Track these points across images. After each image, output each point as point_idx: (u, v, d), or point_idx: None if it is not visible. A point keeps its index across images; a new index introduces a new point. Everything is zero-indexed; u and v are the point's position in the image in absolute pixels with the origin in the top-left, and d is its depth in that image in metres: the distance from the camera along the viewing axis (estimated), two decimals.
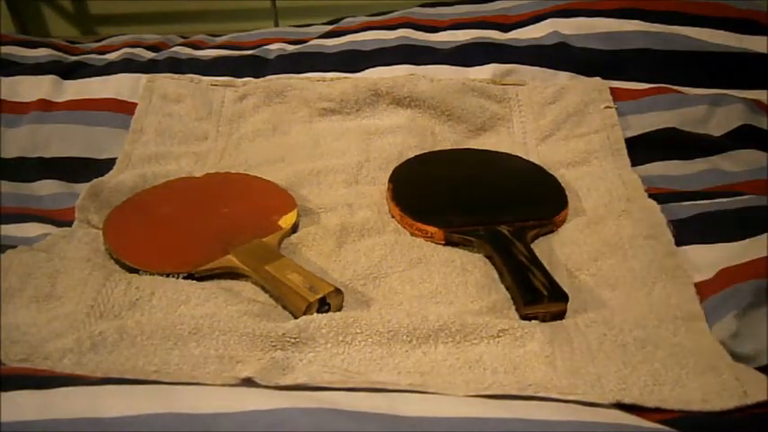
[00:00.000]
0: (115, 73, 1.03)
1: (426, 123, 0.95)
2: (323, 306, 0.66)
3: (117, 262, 0.73)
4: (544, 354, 0.59)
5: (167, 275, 0.70)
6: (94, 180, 0.85)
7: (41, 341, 0.60)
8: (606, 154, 0.89)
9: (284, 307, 0.68)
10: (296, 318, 0.64)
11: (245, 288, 0.71)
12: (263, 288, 0.70)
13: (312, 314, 0.64)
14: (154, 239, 0.77)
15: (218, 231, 0.77)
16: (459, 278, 0.70)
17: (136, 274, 0.71)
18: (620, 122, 0.92)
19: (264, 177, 0.87)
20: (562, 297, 0.66)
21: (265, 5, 1.43)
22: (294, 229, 0.79)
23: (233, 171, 0.90)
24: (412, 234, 0.77)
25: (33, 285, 0.67)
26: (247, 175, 0.88)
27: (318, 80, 1.01)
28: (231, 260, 0.72)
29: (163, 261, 0.73)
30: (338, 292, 0.67)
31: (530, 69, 1.00)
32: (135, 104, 0.99)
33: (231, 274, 0.72)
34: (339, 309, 0.67)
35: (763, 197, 0.77)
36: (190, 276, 0.71)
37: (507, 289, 0.69)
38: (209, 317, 0.62)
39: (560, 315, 0.65)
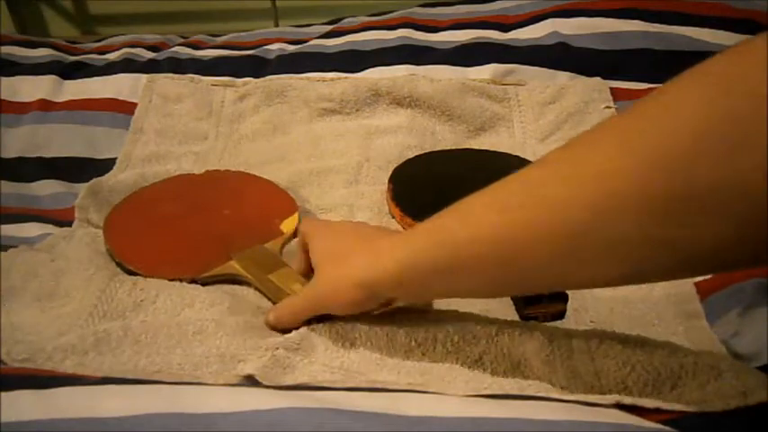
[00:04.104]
0: (115, 73, 1.04)
1: (426, 123, 0.95)
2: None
3: (119, 265, 0.73)
4: (544, 353, 0.59)
5: (171, 281, 0.70)
6: (94, 179, 0.85)
7: (44, 341, 0.60)
8: None
9: None
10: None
11: (249, 293, 0.71)
12: (266, 296, 0.70)
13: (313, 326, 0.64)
14: (156, 243, 0.77)
15: (220, 234, 0.77)
16: None
17: (140, 276, 0.70)
18: None
19: (264, 177, 0.87)
20: (562, 297, 0.66)
21: (265, 5, 1.43)
22: (295, 233, 0.79)
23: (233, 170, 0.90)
24: None
25: (36, 285, 0.67)
26: (247, 174, 0.88)
27: (318, 80, 1.01)
28: (234, 267, 0.72)
29: (166, 266, 0.72)
30: None
31: (530, 69, 1.00)
32: (135, 104, 0.99)
33: (233, 280, 0.72)
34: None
35: None
36: (193, 282, 0.70)
37: None
38: (213, 321, 0.62)
39: (560, 315, 0.65)
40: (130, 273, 0.72)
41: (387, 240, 0.58)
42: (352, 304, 0.58)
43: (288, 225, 0.79)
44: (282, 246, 0.76)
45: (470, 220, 0.51)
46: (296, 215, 0.80)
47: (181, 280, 0.70)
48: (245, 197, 0.84)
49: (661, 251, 0.41)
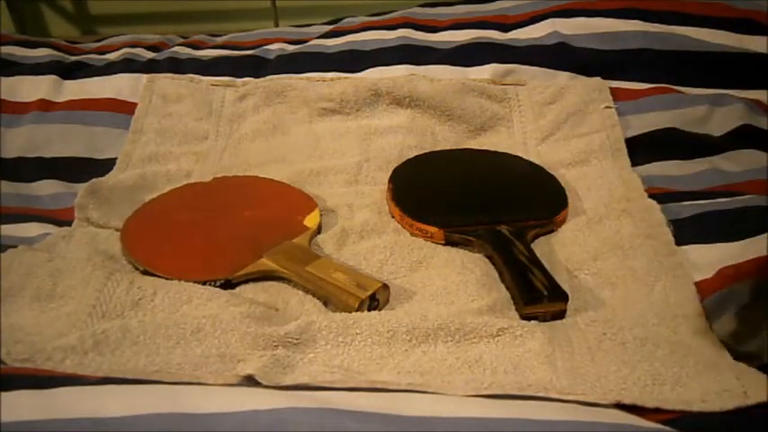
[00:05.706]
0: (115, 73, 1.04)
1: (426, 123, 0.95)
2: (372, 302, 0.66)
3: (145, 272, 0.72)
4: (544, 353, 0.59)
5: (204, 283, 0.69)
6: (93, 179, 0.85)
7: (44, 341, 0.60)
8: (606, 154, 0.89)
9: (325, 305, 0.67)
10: None
11: (245, 289, 0.71)
12: (305, 289, 0.69)
13: (363, 311, 0.64)
14: (183, 249, 0.76)
15: (246, 235, 0.76)
16: (460, 277, 0.70)
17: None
18: (620, 122, 0.92)
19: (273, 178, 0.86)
20: (562, 297, 0.66)
21: (265, 5, 1.43)
22: (320, 228, 0.79)
23: (233, 170, 0.90)
24: (412, 234, 0.77)
25: (35, 285, 0.67)
26: (256, 176, 0.88)
27: (318, 80, 1.01)
28: (267, 263, 0.71)
29: (197, 270, 0.71)
30: (385, 287, 0.67)
31: (530, 69, 1.00)
32: (135, 104, 0.99)
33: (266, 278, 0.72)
34: (386, 303, 0.67)
35: (763, 197, 0.77)
36: (227, 283, 0.70)
37: (507, 289, 0.69)
38: (211, 317, 0.62)
39: (560, 315, 0.65)
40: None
41: None
42: None
43: (311, 220, 0.78)
44: (310, 240, 0.76)
45: None
46: (317, 210, 0.80)
47: (215, 282, 0.69)
48: (262, 198, 0.84)
49: None
